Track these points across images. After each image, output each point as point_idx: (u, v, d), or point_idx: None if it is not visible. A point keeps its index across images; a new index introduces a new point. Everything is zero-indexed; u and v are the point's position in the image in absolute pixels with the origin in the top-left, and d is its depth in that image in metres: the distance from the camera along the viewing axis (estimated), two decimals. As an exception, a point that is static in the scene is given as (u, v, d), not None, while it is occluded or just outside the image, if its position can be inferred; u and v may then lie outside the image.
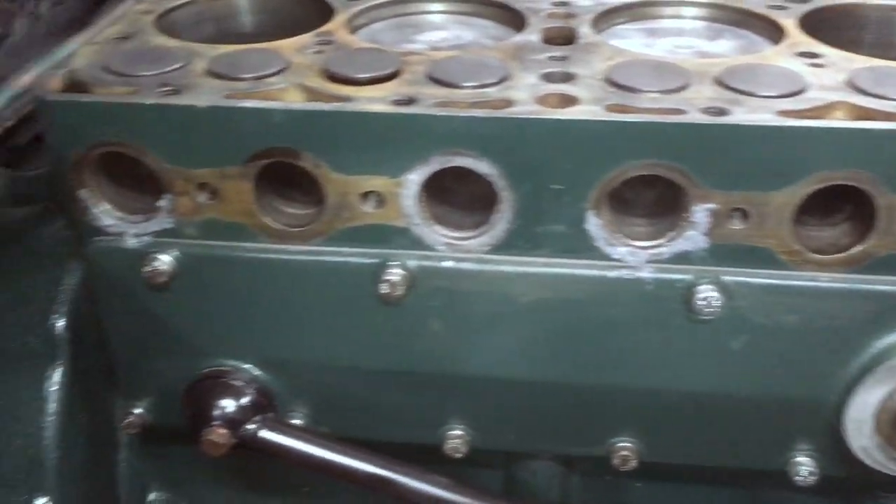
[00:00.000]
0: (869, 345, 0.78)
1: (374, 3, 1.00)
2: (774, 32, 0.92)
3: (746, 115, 0.73)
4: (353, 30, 0.95)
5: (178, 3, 1.00)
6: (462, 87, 0.79)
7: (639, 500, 0.99)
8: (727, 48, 0.94)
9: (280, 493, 1.07)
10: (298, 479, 1.05)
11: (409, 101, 0.77)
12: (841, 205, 0.79)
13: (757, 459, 0.86)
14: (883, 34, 0.96)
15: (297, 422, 0.90)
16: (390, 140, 0.76)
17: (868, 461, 0.82)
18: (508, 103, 0.76)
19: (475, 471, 0.96)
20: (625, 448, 0.87)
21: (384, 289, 0.80)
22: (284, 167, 0.79)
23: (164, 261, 0.82)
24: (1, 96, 0.77)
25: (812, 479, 0.84)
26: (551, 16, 0.96)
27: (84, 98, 0.78)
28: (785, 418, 0.83)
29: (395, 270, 0.80)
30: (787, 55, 0.85)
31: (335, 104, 0.77)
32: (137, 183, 0.84)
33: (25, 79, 0.80)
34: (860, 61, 0.83)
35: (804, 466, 0.84)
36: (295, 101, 0.79)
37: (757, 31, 0.96)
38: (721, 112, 0.74)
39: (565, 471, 0.97)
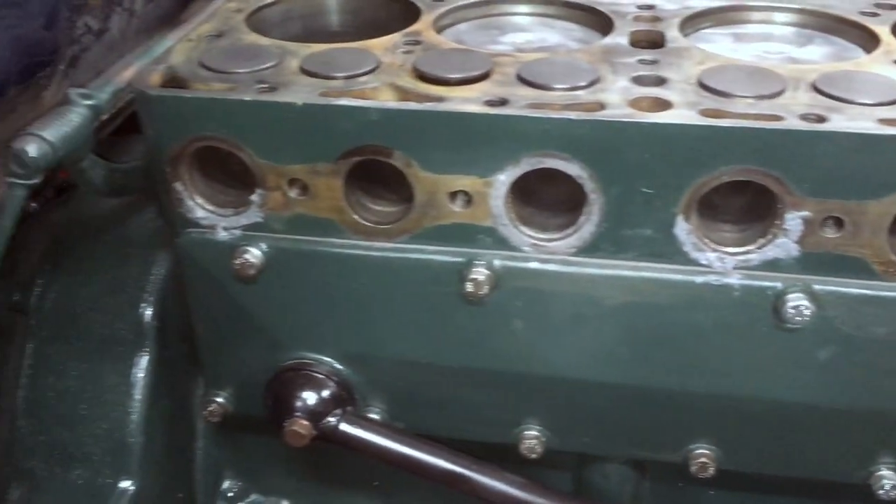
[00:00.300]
0: (964, 360, 0.77)
1: (459, 4, 1.01)
2: (867, 39, 0.91)
3: (846, 122, 0.72)
4: (439, 30, 0.95)
5: (268, 1, 1.02)
6: (553, 89, 0.79)
7: (712, 509, 0.99)
8: (818, 55, 0.93)
9: (349, 487, 1.09)
10: (367, 474, 1.06)
11: (502, 102, 0.77)
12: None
13: (838, 472, 0.85)
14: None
15: (374, 416, 0.91)
16: (482, 141, 0.77)
17: (957, 478, 0.80)
18: (601, 106, 0.76)
19: (547, 472, 0.96)
20: (703, 455, 0.86)
21: (469, 287, 0.81)
22: (373, 165, 0.80)
23: (254, 254, 0.84)
24: (105, 90, 0.79)
25: (895, 493, 0.83)
26: (637, 19, 0.96)
27: (184, 93, 0.80)
28: (870, 431, 0.82)
29: (480, 270, 0.81)
30: (883, 62, 0.84)
31: (429, 104, 0.77)
32: (230, 177, 0.86)
33: (126, 73, 0.83)
34: (960, 70, 0.81)
35: (888, 480, 0.83)
36: (388, 100, 0.80)
37: (848, 38, 0.94)
38: (820, 119, 0.73)
39: (638, 475, 0.97)
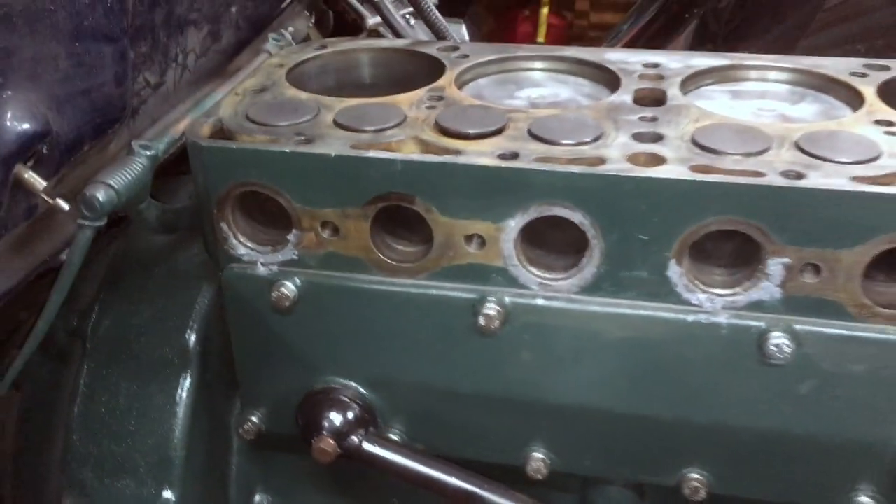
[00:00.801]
0: (934, 396, 0.83)
1: (479, 61, 1.10)
2: (854, 99, 0.99)
3: (821, 179, 0.80)
4: (461, 85, 1.05)
5: (306, 56, 1.12)
6: (560, 144, 0.88)
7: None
8: (809, 112, 1.01)
9: (372, 503, 1.17)
10: (387, 493, 1.14)
11: (513, 156, 0.86)
12: (910, 264, 0.85)
13: (820, 498, 0.92)
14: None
15: (394, 437, 1.00)
16: (494, 190, 0.85)
17: (930, 506, 0.87)
18: (602, 160, 0.85)
19: (553, 493, 1.04)
20: (695, 479, 0.93)
21: (481, 321, 0.89)
22: (398, 209, 0.89)
23: (289, 287, 0.93)
24: (163, 141, 0.89)
25: (874, 520, 0.89)
26: (642, 77, 1.04)
27: (231, 145, 0.90)
28: (849, 460, 0.89)
29: (491, 305, 0.89)
30: (864, 122, 0.92)
31: (447, 156, 0.87)
32: (269, 219, 0.96)
33: (180, 125, 0.93)
34: (934, 130, 0.89)
35: (867, 507, 0.90)
36: (412, 152, 0.89)
37: (837, 97, 1.02)
38: (798, 175, 0.81)
39: (638, 499, 1.04)
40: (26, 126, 0.67)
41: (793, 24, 1.92)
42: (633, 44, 2.12)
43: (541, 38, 3.94)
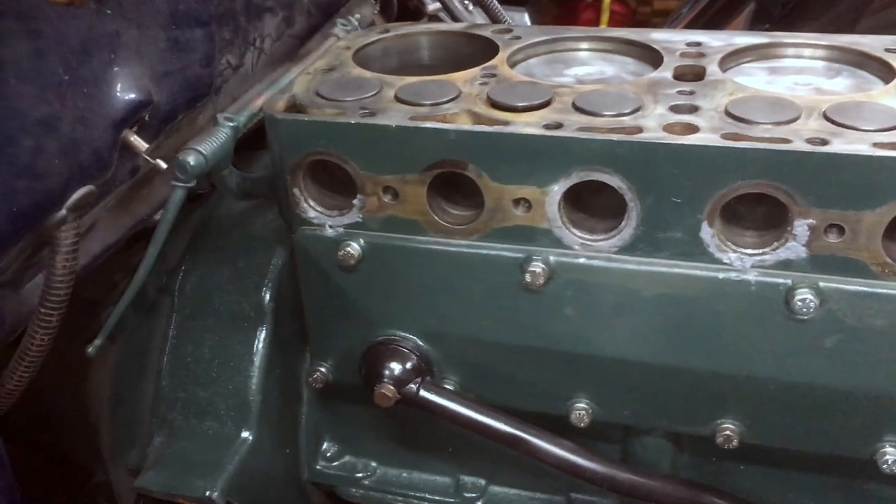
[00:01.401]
0: (952, 349, 0.89)
1: (530, 41, 1.18)
2: (887, 73, 1.04)
3: (844, 145, 0.86)
4: (513, 65, 1.13)
5: (371, 39, 1.22)
6: (602, 115, 0.96)
7: (739, 482, 1.12)
8: (842, 86, 1.06)
9: (427, 452, 1.26)
10: (444, 442, 1.24)
11: (557, 126, 0.94)
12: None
13: (847, 447, 0.98)
14: None
15: (448, 386, 1.09)
16: (539, 157, 0.94)
17: (951, 455, 0.92)
18: (639, 130, 0.92)
19: (595, 442, 1.12)
20: (728, 429, 1.00)
21: (528, 279, 0.98)
22: (453, 176, 0.98)
23: (354, 247, 1.03)
24: (244, 114, 1.00)
25: (898, 469, 0.95)
26: (684, 55, 1.11)
27: (303, 117, 1.00)
28: (873, 411, 0.94)
29: (537, 264, 0.97)
30: (893, 94, 0.97)
31: (497, 127, 0.95)
32: (337, 185, 1.06)
33: (258, 101, 1.03)
34: (961, 101, 0.93)
35: (891, 456, 0.95)
36: (464, 123, 0.98)
37: (872, 72, 1.07)
38: (823, 142, 0.87)
39: (675, 448, 1.11)
40: (133, 96, 0.79)
41: (849, 5, 1.94)
42: (690, 27, 2.16)
43: (604, 26, 3.97)
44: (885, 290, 0.89)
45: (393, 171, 0.99)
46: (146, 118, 0.84)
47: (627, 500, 1.12)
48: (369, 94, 1.04)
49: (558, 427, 1.06)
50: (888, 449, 0.95)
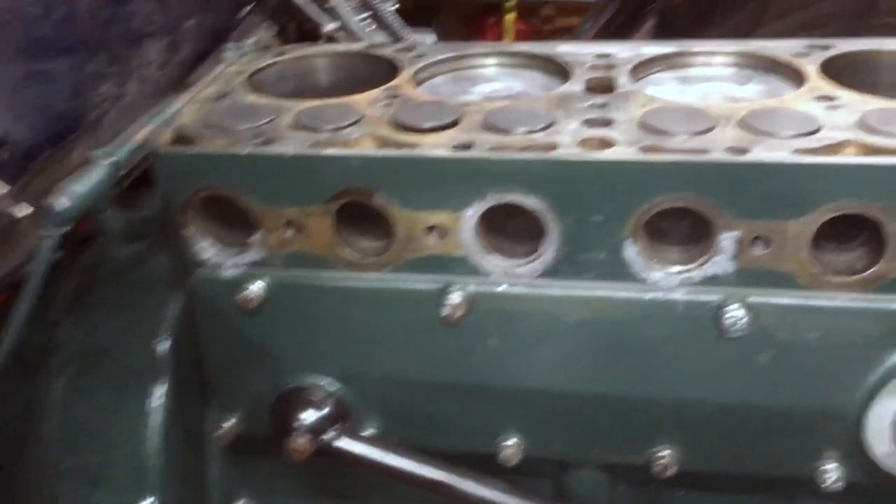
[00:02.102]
0: (884, 359, 0.86)
1: (434, 59, 1.12)
2: (797, 78, 1.02)
3: (764, 152, 0.83)
4: (417, 84, 1.07)
5: (265, 63, 1.14)
6: (513, 133, 0.90)
7: (680, 508, 1.07)
8: (754, 93, 1.04)
9: (356, 501, 1.18)
10: (368, 491, 1.15)
11: (467, 146, 0.88)
12: (857, 231, 0.88)
13: (786, 467, 0.94)
14: (899, 77, 1.05)
15: (369, 432, 1.01)
16: (450, 180, 0.87)
17: (890, 468, 0.89)
18: (553, 146, 0.87)
19: (527, 479, 1.05)
20: (664, 456, 0.95)
21: (446, 311, 0.91)
22: (359, 205, 0.91)
23: (256, 288, 0.95)
24: (124, 150, 0.91)
25: (838, 486, 0.91)
26: (593, 67, 1.07)
27: (190, 150, 0.92)
28: (811, 428, 0.91)
29: (455, 295, 0.91)
30: (806, 99, 0.95)
31: (403, 150, 0.89)
32: (233, 221, 0.97)
33: (141, 134, 0.94)
34: (873, 103, 0.92)
35: (831, 474, 0.92)
36: (368, 148, 0.91)
37: (781, 77, 1.05)
38: (742, 151, 0.84)
39: (610, 479, 1.05)
40: (-17, 133, 0.69)
41: (748, 15, 1.96)
42: (594, 43, 2.15)
43: (508, 44, 3.97)
44: (815, 302, 0.86)
45: (294, 204, 0.92)
46: (4, 157, 0.74)
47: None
48: (264, 122, 0.96)
49: (490, 466, 1.00)
50: (827, 466, 0.92)
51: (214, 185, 0.92)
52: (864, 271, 0.85)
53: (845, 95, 0.94)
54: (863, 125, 0.87)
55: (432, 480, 0.98)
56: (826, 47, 1.07)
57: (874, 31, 1.83)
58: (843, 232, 0.87)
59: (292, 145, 0.91)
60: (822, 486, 0.92)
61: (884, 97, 0.94)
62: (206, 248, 0.96)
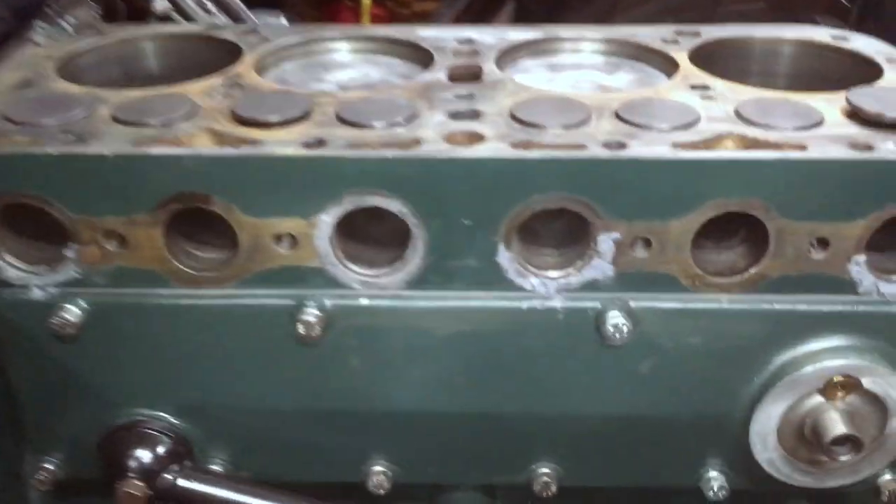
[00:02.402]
0: (769, 362, 0.82)
1: (282, 43, 1.01)
2: (668, 66, 0.97)
3: (643, 147, 0.77)
4: (261, 70, 0.95)
5: (81, 46, 0.99)
6: (372, 128, 0.80)
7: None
8: (625, 81, 0.98)
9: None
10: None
11: (320, 143, 0.77)
12: (736, 228, 0.83)
13: (671, 478, 0.89)
14: (767, 65, 1.02)
15: (216, 468, 0.89)
16: (301, 182, 0.77)
17: (775, 473, 0.86)
18: (417, 142, 0.78)
19: (400, 504, 0.97)
20: (545, 474, 0.89)
21: (301, 329, 0.80)
22: (195, 211, 0.79)
23: (72, 311, 0.81)
24: None
25: (723, 494, 0.88)
26: (456, 53, 0.98)
27: (-16, 149, 0.76)
28: (695, 436, 0.86)
29: (310, 311, 0.80)
30: (680, 88, 0.89)
31: (244, 148, 0.77)
32: (42, 233, 0.82)
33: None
34: (747, 92, 0.87)
35: (716, 481, 0.88)
36: (204, 145, 0.78)
37: (652, 65, 1.00)
38: (620, 145, 0.77)
39: (490, 500, 0.98)
40: None
41: (603, 2, 1.94)
42: (452, 28, 2.07)
43: (364, 29, 3.85)
44: (698, 305, 0.81)
45: (115, 212, 0.78)
46: None
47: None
48: (78, 115, 0.82)
49: (357, 496, 0.90)
50: (712, 474, 0.88)
51: (16, 191, 0.77)
52: (746, 271, 0.81)
53: (718, 84, 0.90)
54: (740, 116, 0.82)
55: (291, 518, 0.87)
56: (696, 34, 1.03)
57: (723, 18, 1.85)
58: (723, 229, 0.83)
59: (111, 144, 0.77)
60: (708, 494, 0.88)
61: (755, 86, 0.90)
62: (9, 266, 0.81)
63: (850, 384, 0.80)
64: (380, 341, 0.83)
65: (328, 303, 0.81)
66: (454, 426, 0.87)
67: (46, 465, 0.90)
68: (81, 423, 0.87)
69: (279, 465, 0.90)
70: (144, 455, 0.85)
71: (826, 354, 0.80)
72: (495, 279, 0.81)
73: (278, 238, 0.79)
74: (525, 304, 0.81)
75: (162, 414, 0.87)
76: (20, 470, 0.96)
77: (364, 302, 0.82)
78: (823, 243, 0.78)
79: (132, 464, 0.84)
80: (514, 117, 0.82)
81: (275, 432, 0.88)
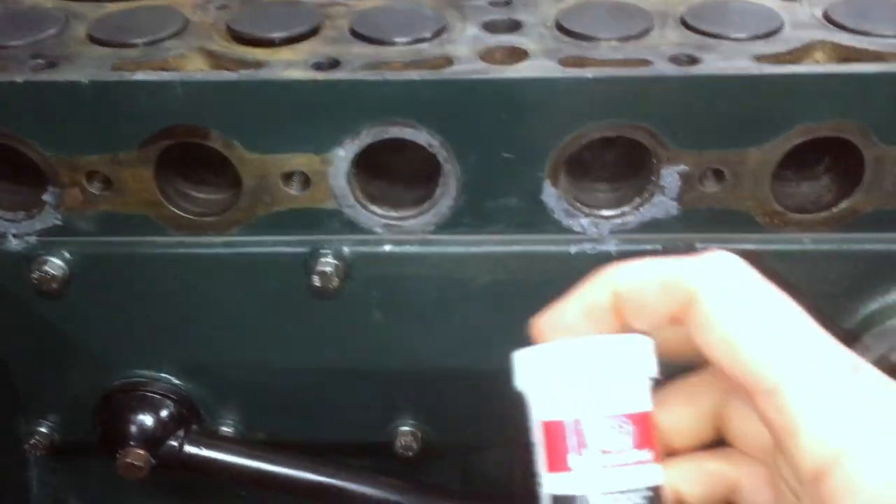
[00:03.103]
0: (857, 310, 0.71)
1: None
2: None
3: (719, 62, 0.64)
4: (262, -23, 0.82)
5: (52, -48, 0.85)
6: (393, 44, 0.68)
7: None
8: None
9: (213, 499, 0.97)
10: (233, 486, 0.95)
11: (333, 65, 0.66)
12: (820, 155, 0.71)
13: None
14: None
15: (227, 431, 0.80)
16: (312, 112, 0.65)
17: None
18: (448, 61, 0.66)
19: (433, 465, 0.88)
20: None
21: (316, 280, 0.70)
22: (192, 147, 0.67)
23: (55, 263, 0.70)
24: None
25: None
26: (488, -48, 0.85)
27: (-64, 77, 0.65)
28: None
29: (327, 259, 0.70)
30: (750, -13, 0.76)
31: (245, 72, 0.65)
32: (17, 175, 0.71)
33: None
34: (834, -8, 0.74)
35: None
36: (196, 69, 0.67)
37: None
38: (692, 60, 0.65)
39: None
40: None
41: None
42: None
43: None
44: (777, 246, 0.70)
45: (97, 150, 0.67)
46: None
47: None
48: (47, 34, 0.70)
49: (387, 458, 0.81)
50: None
51: (-20, 126, 0.66)
52: (833, 206, 0.69)
53: (800, -18, 0.76)
54: (830, 20, 0.69)
55: (312, 484, 0.78)
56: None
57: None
58: (802, 156, 0.71)
59: (88, 69, 0.65)
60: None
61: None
62: (-19, 214, 0.70)
63: (957, 338, 0.70)
64: (406, 292, 0.73)
65: (346, 250, 0.71)
66: (489, 383, 0.78)
67: (41, 430, 0.81)
68: (75, 386, 0.78)
69: (296, 426, 0.81)
70: (146, 420, 0.76)
71: (930, 305, 0.70)
72: (539, 220, 0.70)
73: (288, 177, 0.68)
74: (573, 249, 0.70)
75: (164, 375, 0.77)
76: (15, 431, 0.88)
77: (387, 248, 0.71)
78: (931, 174, 0.66)
79: (133, 430, 0.76)
80: (560, 28, 0.69)
81: (289, 392, 0.79)
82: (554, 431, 0.49)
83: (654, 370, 0.50)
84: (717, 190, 0.68)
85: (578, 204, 0.70)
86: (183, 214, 0.70)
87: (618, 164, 0.72)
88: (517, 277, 0.72)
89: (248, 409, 0.80)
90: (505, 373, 0.75)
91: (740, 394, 0.48)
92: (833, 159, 0.71)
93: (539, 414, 0.50)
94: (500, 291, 0.72)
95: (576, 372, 0.48)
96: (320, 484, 0.78)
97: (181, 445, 0.76)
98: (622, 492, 0.47)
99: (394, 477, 0.80)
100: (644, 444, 0.48)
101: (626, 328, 0.50)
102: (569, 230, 0.70)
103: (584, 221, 0.70)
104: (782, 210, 0.69)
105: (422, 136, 0.66)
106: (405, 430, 0.81)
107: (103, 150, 0.67)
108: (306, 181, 0.68)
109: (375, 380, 0.78)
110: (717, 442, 0.53)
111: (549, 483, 0.49)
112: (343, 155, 0.67)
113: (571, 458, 0.48)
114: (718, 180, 0.68)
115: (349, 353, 0.76)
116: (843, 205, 0.69)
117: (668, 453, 0.52)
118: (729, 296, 0.46)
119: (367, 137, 0.66)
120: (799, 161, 0.71)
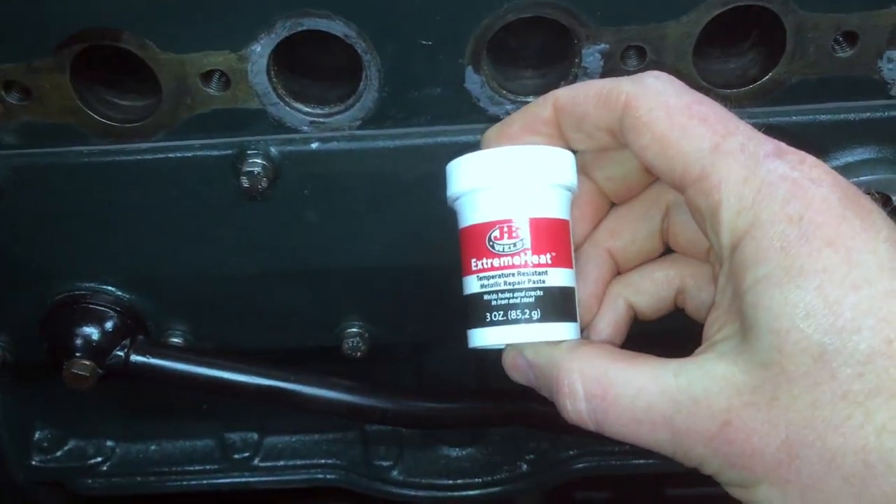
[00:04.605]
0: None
1: None
2: None
3: (630, -68, 0.63)
4: None
5: None
6: (303, -72, 0.66)
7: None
8: None
9: (178, 412, 0.99)
10: (195, 398, 0.97)
11: (238, -48, 0.64)
12: (747, 30, 0.71)
13: None
14: None
15: (176, 342, 0.81)
16: (224, 5, 0.64)
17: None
18: (358, -56, 0.64)
19: (386, 367, 0.89)
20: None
21: (245, 182, 0.70)
22: (112, 52, 0.66)
23: (-22, 178, 0.70)
24: None
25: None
26: None
27: None
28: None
29: (255, 160, 0.70)
30: None
31: (147, -34, 0.64)
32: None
33: None
34: None
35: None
36: (102, -34, 0.65)
37: None
38: (602, -69, 0.63)
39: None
40: None
41: None
42: None
43: None
44: (702, 124, 0.69)
45: (9, 58, 0.66)
46: None
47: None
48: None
49: (335, 360, 0.82)
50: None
51: None
52: (757, 80, 0.69)
53: None
54: None
55: (260, 388, 0.80)
56: None
57: None
58: (729, 33, 0.70)
59: (-12, -30, 0.64)
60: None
61: None
62: None
63: (881, 202, 0.70)
64: (337, 190, 0.73)
65: (274, 150, 0.70)
66: (431, 279, 0.78)
67: (-8, 349, 0.82)
68: (19, 303, 0.79)
69: (242, 332, 0.82)
70: (90, 332, 0.76)
71: (853, 169, 0.69)
72: (465, 109, 0.69)
73: (207, 77, 0.67)
74: (502, 136, 0.70)
75: (108, 287, 0.78)
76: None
77: (315, 146, 0.71)
78: (851, 38, 0.66)
79: (77, 342, 0.76)
80: None
81: (232, 299, 0.80)
82: (471, 235, 0.53)
83: (572, 181, 0.53)
84: (639, 67, 0.67)
85: (504, 91, 0.69)
86: (106, 121, 0.69)
87: (542, 51, 0.71)
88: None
89: (195, 319, 0.81)
90: (442, 268, 0.75)
91: (680, 202, 0.51)
92: (760, 34, 0.70)
93: (462, 221, 0.55)
94: (432, 183, 0.72)
95: (495, 176, 0.53)
96: (270, 388, 0.79)
97: (127, 355, 0.77)
98: (521, 288, 0.51)
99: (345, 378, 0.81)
100: (550, 248, 0.51)
101: (566, 144, 0.54)
102: (495, 118, 0.70)
103: (510, 108, 0.69)
104: (708, 86, 0.68)
105: (337, 27, 0.65)
106: (352, 332, 0.82)
107: (15, 58, 0.66)
108: (226, 81, 0.67)
109: (317, 282, 0.79)
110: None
111: (466, 286, 0.54)
112: (260, 51, 0.66)
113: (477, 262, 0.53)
114: (640, 57, 0.67)
115: (287, 256, 0.76)
116: (768, 76, 0.68)
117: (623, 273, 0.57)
118: (658, 99, 0.48)
119: (282, 31, 0.65)
120: (726, 39, 0.70)
